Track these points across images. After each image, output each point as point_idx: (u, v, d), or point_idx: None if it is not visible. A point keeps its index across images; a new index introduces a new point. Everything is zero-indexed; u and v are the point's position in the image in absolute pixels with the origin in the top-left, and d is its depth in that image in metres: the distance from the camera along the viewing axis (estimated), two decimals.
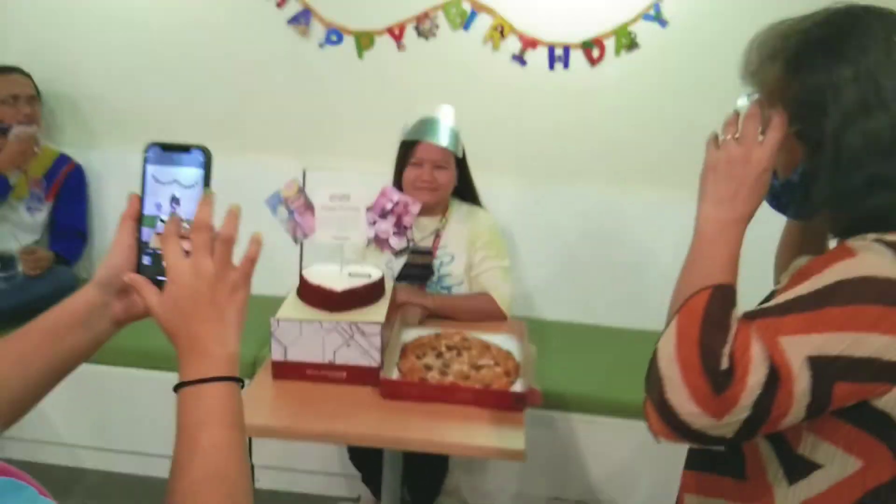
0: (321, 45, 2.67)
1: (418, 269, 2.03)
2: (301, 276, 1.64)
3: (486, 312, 1.94)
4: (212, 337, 0.65)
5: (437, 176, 2.01)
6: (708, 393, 0.71)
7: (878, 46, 0.79)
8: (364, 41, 2.65)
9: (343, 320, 1.50)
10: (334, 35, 2.66)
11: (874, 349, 0.71)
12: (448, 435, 1.40)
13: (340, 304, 1.55)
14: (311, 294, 1.59)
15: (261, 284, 2.31)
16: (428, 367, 1.58)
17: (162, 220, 0.69)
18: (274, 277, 1.84)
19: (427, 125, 2.01)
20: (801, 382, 0.70)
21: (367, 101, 2.71)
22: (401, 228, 1.65)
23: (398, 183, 2.06)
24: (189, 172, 0.69)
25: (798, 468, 0.81)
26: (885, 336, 0.71)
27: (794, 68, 0.83)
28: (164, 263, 0.66)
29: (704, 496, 0.91)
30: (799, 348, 0.71)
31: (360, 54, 2.67)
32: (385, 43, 2.65)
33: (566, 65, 2.59)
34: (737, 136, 0.86)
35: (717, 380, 0.71)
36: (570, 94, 2.61)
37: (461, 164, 2.10)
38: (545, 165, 2.71)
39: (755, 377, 0.70)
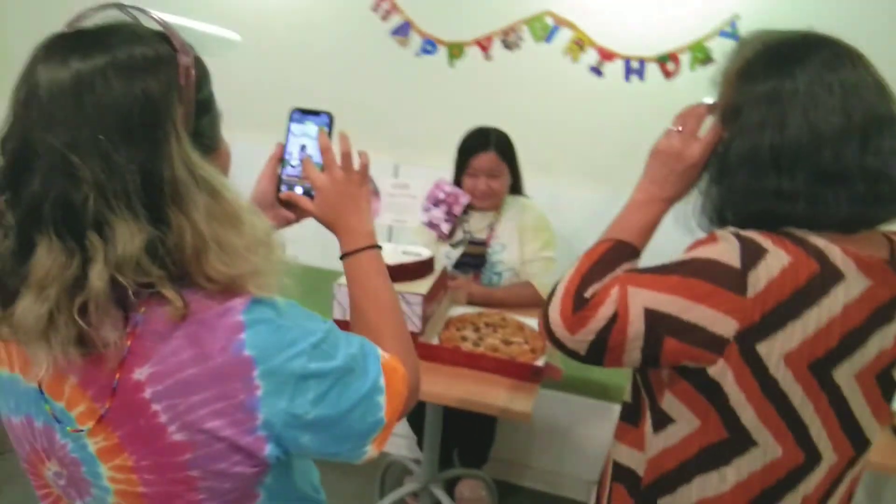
0: (417, 54, 2.97)
1: (473, 259, 2.25)
2: None
3: (527, 300, 2.08)
4: (356, 220, 0.93)
5: (491, 184, 2.18)
6: (569, 310, 0.89)
7: (804, 76, 0.81)
8: (455, 51, 2.92)
9: None
10: (429, 45, 2.95)
11: (700, 318, 0.81)
12: (465, 393, 1.63)
13: (392, 277, 1.80)
14: None
15: (323, 259, 2.49)
16: (464, 339, 1.81)
17: (292, 165, 0.97)
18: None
19: (481, 137, 2.20)
20: (634, 326, 0.85)
21: (456, 106, 2.98)
22: (451, 217, 1.89)
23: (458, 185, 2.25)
24: (316, 129, 0.97)
25: (660, 420, 0.92)
26: (710, 310, 0.81)
27: (739, 77, 0.87)
28: (308, 182, 0.93)
29: (618, 441, 1.04)
30: (640, 299, 0.85)
31: (451, 63, 2.94)
32: (474, 53, 2.91)
33: (641, 77, 2.73)
34: (681, 129, 0.96)
35: (578, 302, 0.88)
36: (644, 105, 2.74)
37: (512, 161, 2.27)
38: (619, 174, 2.81)
39: (604, 310, 0.86)
